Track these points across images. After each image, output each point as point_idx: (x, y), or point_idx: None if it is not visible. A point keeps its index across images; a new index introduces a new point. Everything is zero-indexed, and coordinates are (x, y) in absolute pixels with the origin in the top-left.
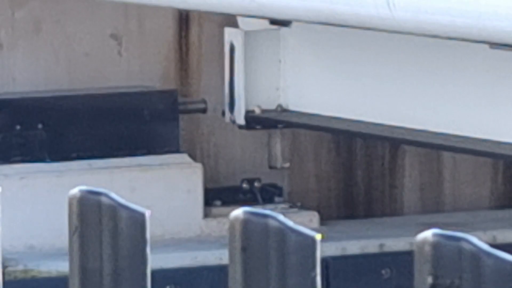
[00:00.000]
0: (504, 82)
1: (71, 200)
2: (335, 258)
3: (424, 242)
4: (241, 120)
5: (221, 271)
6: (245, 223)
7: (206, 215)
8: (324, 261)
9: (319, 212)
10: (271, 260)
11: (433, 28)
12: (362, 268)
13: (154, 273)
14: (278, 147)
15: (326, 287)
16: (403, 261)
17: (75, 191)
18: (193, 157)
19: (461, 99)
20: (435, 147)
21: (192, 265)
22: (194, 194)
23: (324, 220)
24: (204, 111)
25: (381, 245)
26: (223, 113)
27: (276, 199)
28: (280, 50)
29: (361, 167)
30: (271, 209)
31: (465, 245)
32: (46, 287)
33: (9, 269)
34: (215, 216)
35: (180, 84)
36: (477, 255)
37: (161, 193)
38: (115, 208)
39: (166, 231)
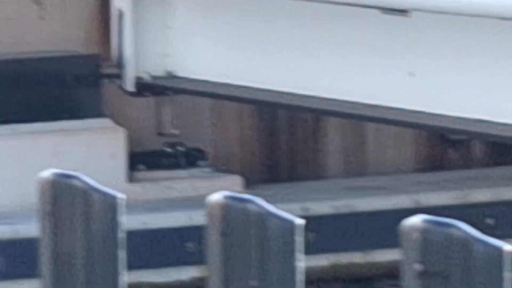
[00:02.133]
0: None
1: (42, 183)
2: None
3: (412, 228)
4: (131, 87)
5: (145, 235)
6: (225, 208)
7: (130, 179)
8: None
9: (243, 176)
10: (251, 245)
11: None
12: None
13: None
14: (167, 114)
15: None
16: (327, 224)
17: (47, 174)
18: (117, 121)
19: (350, 64)
20: (318, 112)
21: None
22: (118, 159)
23: (248, 184)
24: None
25: (306, 209)
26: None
27: (200, 163)
28: (169, 16)
29: (284, 131)
30: (195, 173)
31: (454, 232)
32: None
33: None
34: (139, 181)
35: (103, 49)
36: (466, 241)
37: (84, 157)
38: (87, 191)
39: None
